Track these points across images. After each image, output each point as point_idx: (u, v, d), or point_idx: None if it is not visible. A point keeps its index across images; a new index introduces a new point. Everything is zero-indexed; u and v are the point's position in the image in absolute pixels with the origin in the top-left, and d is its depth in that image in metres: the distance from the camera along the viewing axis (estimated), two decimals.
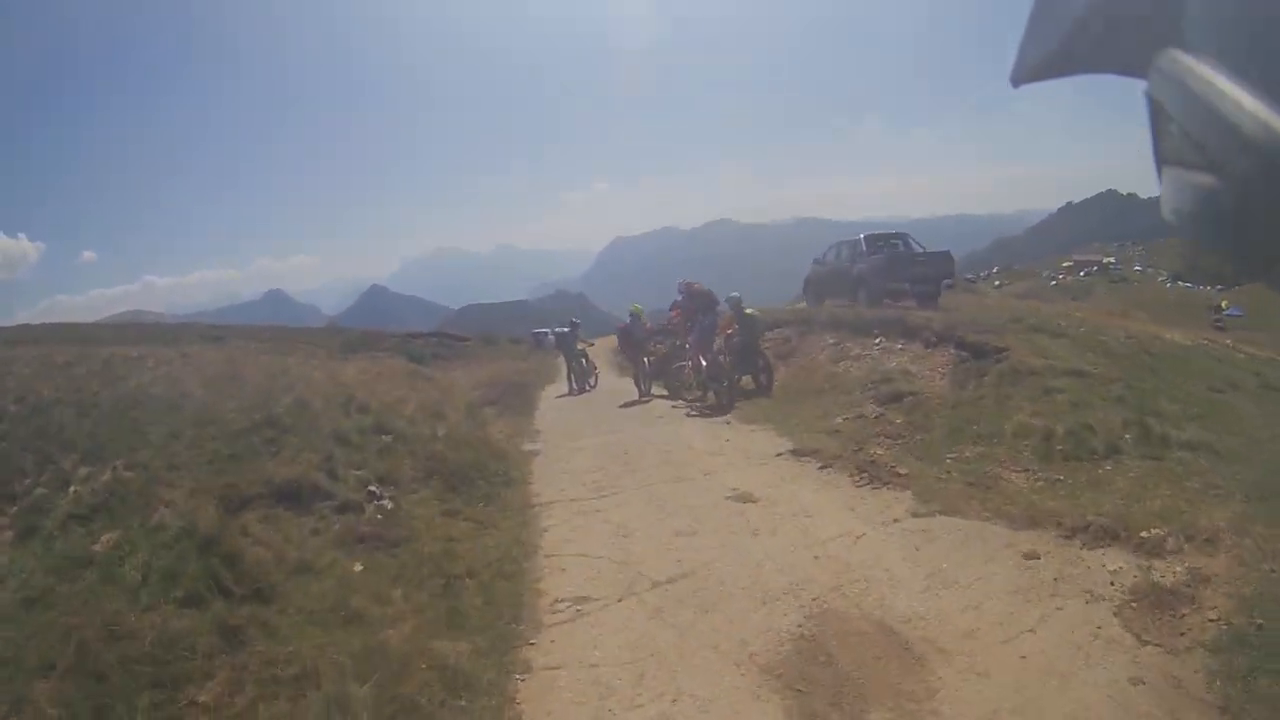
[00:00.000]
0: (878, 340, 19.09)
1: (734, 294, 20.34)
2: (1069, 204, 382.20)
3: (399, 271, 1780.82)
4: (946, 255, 25.37)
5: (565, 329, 27.52)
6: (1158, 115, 0.82)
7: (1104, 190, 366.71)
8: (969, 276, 74.13)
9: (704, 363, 19.24)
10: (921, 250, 25.90)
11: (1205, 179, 0.74)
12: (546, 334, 61.93)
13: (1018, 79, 1.04)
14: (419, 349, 49.66)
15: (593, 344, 29.18)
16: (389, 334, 56.01)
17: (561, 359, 27.84)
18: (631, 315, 23.92)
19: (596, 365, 27.60)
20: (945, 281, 25.52)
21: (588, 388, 26.40)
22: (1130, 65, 0.86)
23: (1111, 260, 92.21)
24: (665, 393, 22.22)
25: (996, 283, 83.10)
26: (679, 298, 22.15)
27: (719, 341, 19.73)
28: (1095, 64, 0.93)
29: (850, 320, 21.56)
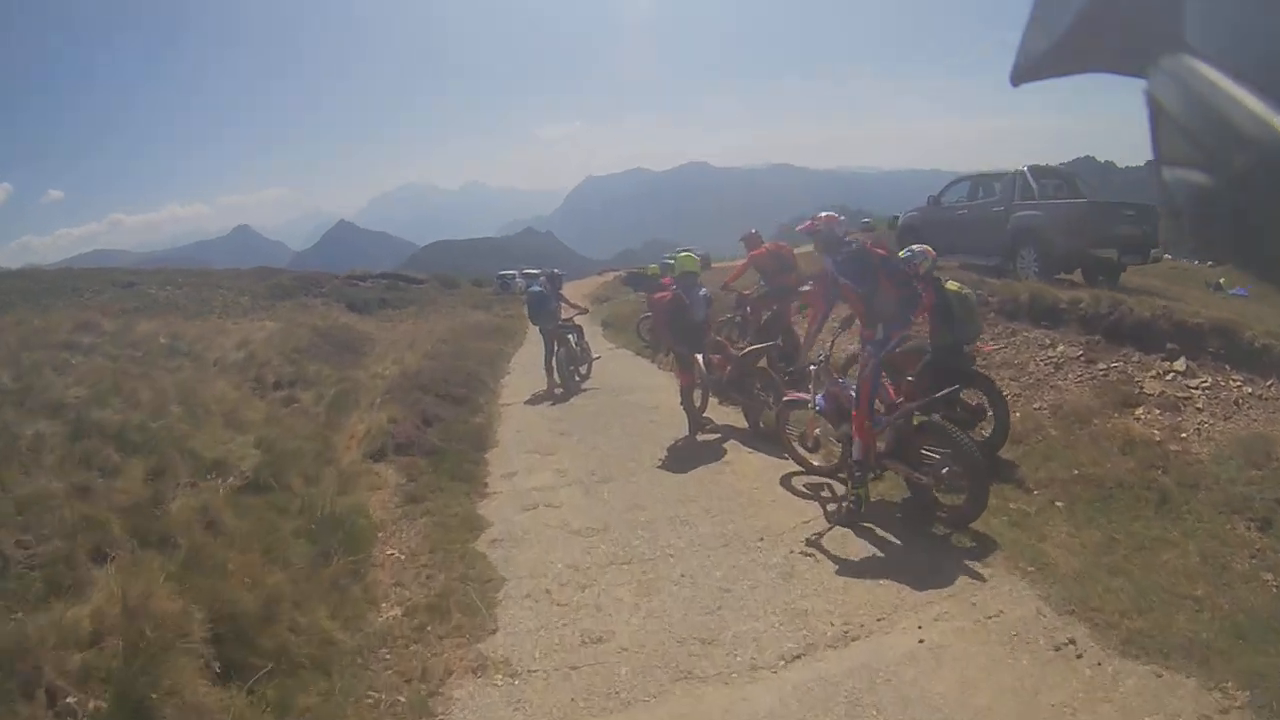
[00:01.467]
0: (1179, 364, 9.78)
1: (918, 247, 9.48)
2: (1066, 162, 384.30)
3: (367, 207, 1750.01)
4: (1153, 211, 15.71)
5: (537, 276, 17.43)
6: (1158, 115, 0.81)
7: (1082, 155, 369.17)
8: None
9: (876, 406, 7.82)
10: (1118, 201, 16.74)
11: (1205, 178, 0.74)
12: (514, 276, 55.69)
13: (1017, 79, 1.01)
14: (364, 294, 44.87)
15: (585, 310, 18.08)
16: (331, 276, 50.12)
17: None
18: (681, 272, 11.46)
19: (589, 344, 17.46)
20: (1153, 250, 16.21)
21: (577, 381, 16.25)
22: (1130, 65, 0.86)
23: None
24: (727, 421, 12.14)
25: None
26: (765, 246, 13.28)
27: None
28: (1095, 63, 0.92)
29: (1053, 310, 11.71)
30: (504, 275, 57.03)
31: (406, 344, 22.47)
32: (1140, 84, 0.82)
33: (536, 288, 16.42)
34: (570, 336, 16.21)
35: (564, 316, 16.60)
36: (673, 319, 11.16)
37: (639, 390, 15.16)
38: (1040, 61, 0.94)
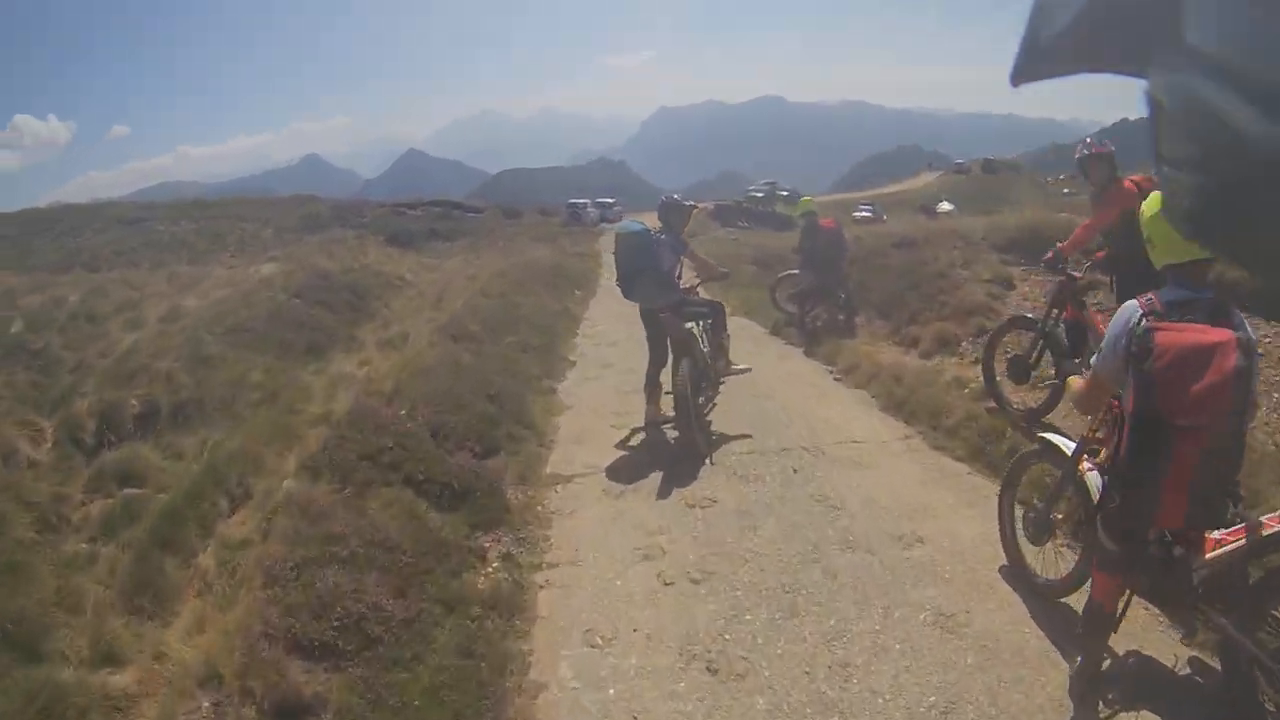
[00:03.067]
0: None
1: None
2: (1124, 120, 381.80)
3: (437, 135, 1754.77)
4: None
5: (634, 226, 8.28)
6: (1158, 115, 0.83)
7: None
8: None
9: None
10: None
11: (1205, 177, 0.76)
12: (586, 206, 49.77)
13: (1017, 79, 1.04)
14: (409, 225, 38.84)
15: (724, 274, 9.85)
16: (377, 204, 45.89)
17: (600, 241, 15.00)
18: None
19: (729, 337, 8.99)
20: None
21: (705, 422, 8.18)
22: (1130, 65, 0.90)
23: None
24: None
25: (1064, 190, 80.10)
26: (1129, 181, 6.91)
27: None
28: (1095, 63, 0.95)
29: None
30: (575, 204, 50.60)
31: (434, 297, 16.59)
32: (1140, 84, 0.84)
33: (637, 227, 8.13)
34: (698, 328, 8.23)
35: (690, 288, 8.60)
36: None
37: (830, 439, 7.72)
38: (1040, 61, 0.96)
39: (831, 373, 10.55)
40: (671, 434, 7.93)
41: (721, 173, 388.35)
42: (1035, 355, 7.51)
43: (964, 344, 10.63)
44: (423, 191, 60.08)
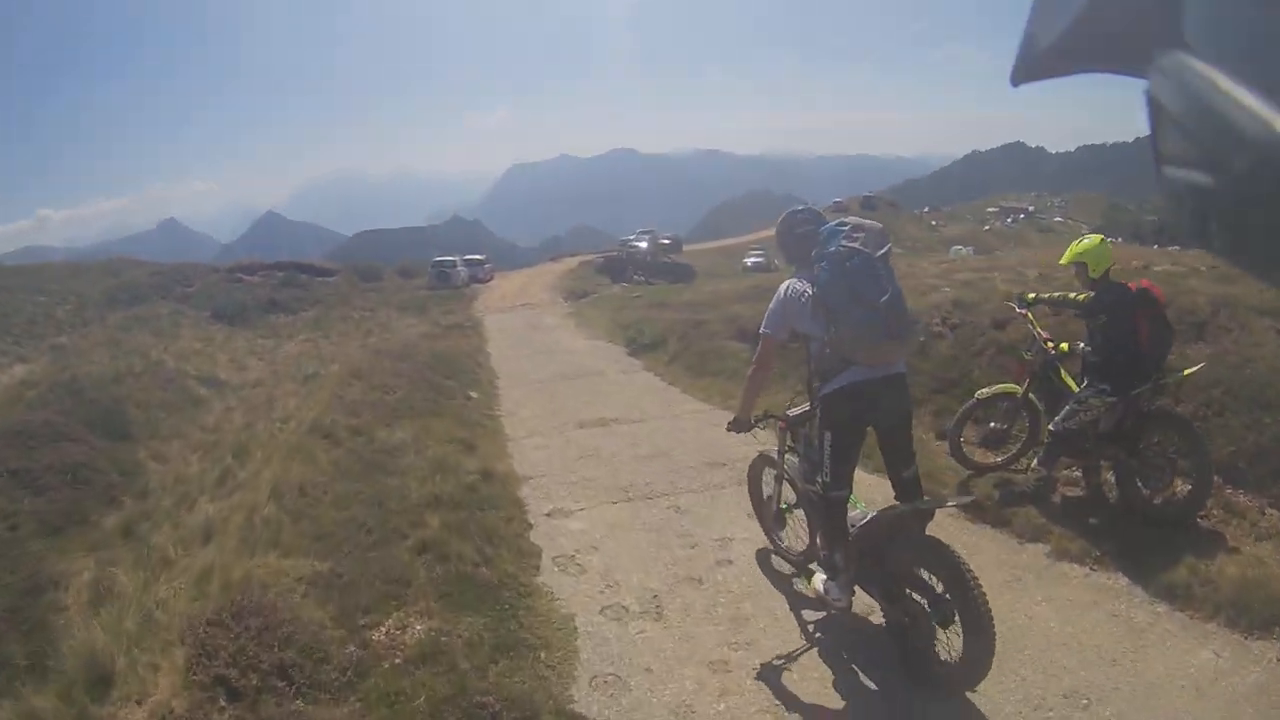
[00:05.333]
0: None
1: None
2: (974, 151, 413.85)
3: (295, 197, 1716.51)
4: None
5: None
6: (1158, 115, 0.81)
7: (1011, 141, 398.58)
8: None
9: None
10: None
11: (1205, 178, 0.74)
12: (455, 264, 44.35)
13: (1017, 79, 1.02)
14: (245, 295, 32.26)
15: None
16: (210, 268, 38.77)
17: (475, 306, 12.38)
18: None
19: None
20: None
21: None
22: (1130, 65, 0.86)
23: (1031, 209, 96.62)
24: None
25: (934, 222, 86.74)
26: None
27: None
28: (1094, 63, 0.93)
29: None
30: (441, 263, 43.91)
31: (242, 426, 10.79)
32: (1140, 84, 0.82)
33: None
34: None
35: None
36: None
37: None
38: (1040, 61, 0.94)
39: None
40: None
41: (574, 227, 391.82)
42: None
43: None
44: (282, 255, 53.21)
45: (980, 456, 8.21)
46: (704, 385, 12.88)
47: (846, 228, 4.70)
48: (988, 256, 32.75)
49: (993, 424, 8.11)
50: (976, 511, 7.04)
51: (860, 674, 4.91)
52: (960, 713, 4.46)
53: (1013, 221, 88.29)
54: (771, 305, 4.97)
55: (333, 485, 7.80)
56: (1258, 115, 0.64)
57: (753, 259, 50.46)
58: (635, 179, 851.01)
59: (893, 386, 4.71)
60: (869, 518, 4.87)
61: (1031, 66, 0.95)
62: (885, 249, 4.72)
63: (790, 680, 4.85)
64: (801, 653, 5.12)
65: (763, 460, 6.22)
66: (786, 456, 5.77)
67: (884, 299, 4.48)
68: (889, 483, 5.00)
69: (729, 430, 5.52)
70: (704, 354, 14.44)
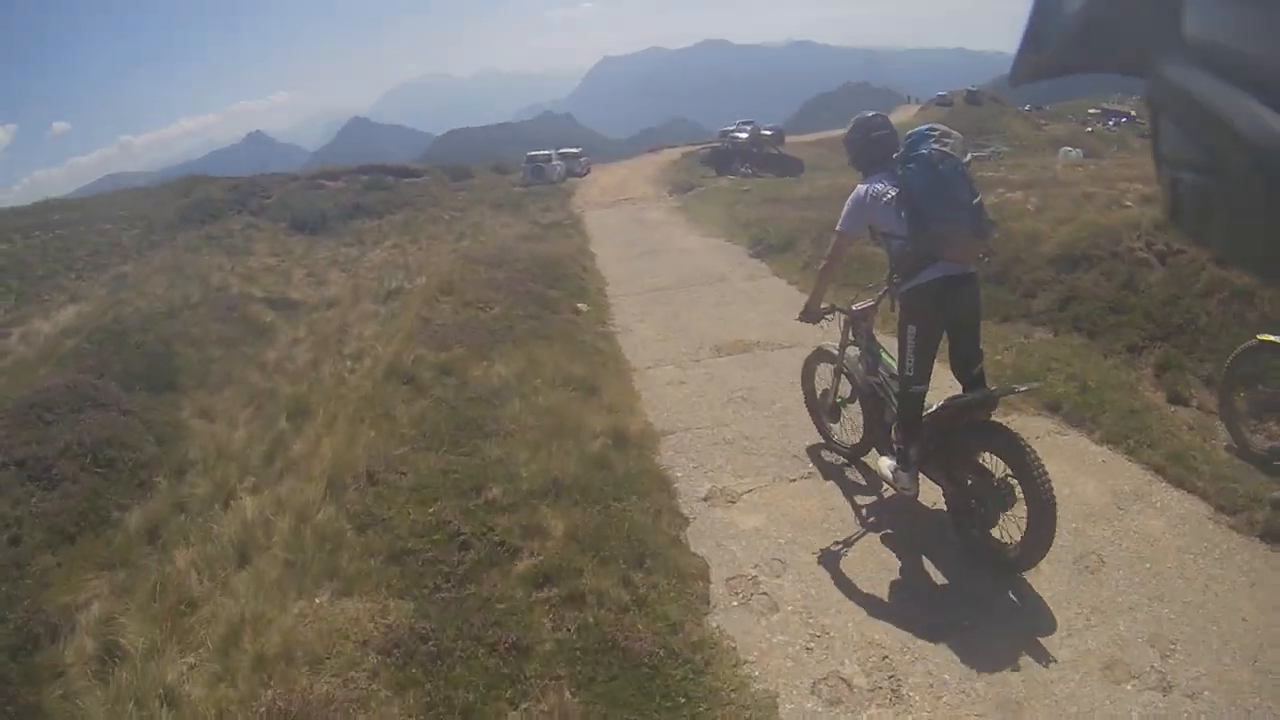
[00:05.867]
0: None
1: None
2: None
3: (381, 102, 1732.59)
4: None
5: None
6: (1157, 115, 0.83)
7: None
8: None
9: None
10: None
11: (1204, 178, 0.75)
12: (550, 158, 42.29)
13: (1016, 80, 1.03)
14: (325, 202, 29.93)
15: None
16: (287, 178, 37.02)
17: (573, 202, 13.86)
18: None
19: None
20: None
21: None
22: (1130, 65, 0.87)
23: (1134, 113, 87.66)
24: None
25: (1040, 121, 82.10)
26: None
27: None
28: (1094, 63, 0.93)
29: None
30: (535, 157, 42.02)
31: (293, 398, 9.80)
32: (1140, 84, 0.82)
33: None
34: None
35: None
36: None
37: None
38: (1040, 61, 0.94)
39: None
40: None
41: (668, 120, 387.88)
42: None
43: None
44: (372, 160, 51.86)
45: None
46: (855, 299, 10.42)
47: (937, 133, 4.79)
48: (1097, 162, 29.52)
49: (1260, 386, 6.01)
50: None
51: (925, 558, 4.90)
52: (1014, 589, 4.51)
53: (1114, 125, 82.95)
54: (848, 206, 5.10)
55: (413, 463, 5.67)
56: (1258, 115, 0.63)
57: None
58: (728, 71, 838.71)
59: (970, 283, 4.85)
60: (937, 406, 4.89)
61: (1031, 66, 0.95)
62: (970, 157, 5.01)
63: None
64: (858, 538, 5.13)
65: (819, 355, 6.33)
66: (847, 350, 5.91)
67: (976, 200, 4.69)
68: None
69: (799, 320, 5.74)
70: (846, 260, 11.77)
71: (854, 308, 5.63)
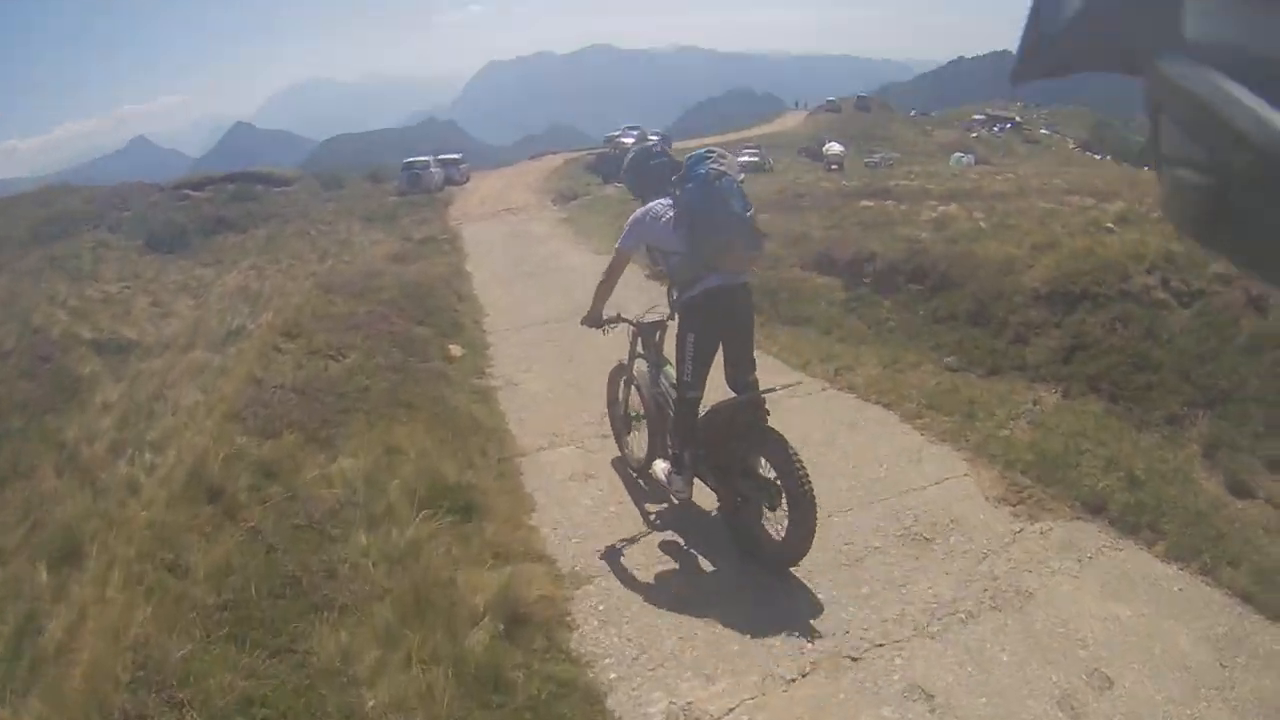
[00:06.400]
0: None
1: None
2: (960, 58, 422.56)
3: (264, 106, 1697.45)
4: None
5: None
6: (1157, 115, 0.83)
7: (999, 50, 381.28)
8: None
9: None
10: None
11: (1205, 179, 0.75)
12: (428, 166, 41.08)
13: (1016, 78, 0.99)
14: (186, 215, 28.32)
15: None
16: (152, 187, 34.67)
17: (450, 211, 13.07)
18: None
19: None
20: None
21: None
22: (1130, 64, 0.86)
23: (1018, 119, 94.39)
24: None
25: (926, 127, 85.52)
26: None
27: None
28: (1094, 62, 0.91)
29: None
30: (413, 164, 40.39)
31: (58, 537, 7.18)
32: (1140, 84, 0.83)
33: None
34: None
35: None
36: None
37: None
38: (1039, 60, 0.94)
39: None
40: None
41: (551, 126, 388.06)
42: None
43: None
44: (254, 166, 49.41)
45: None
46: (791, 340, 9.43)
47: (714, 155, 5.24)
48: (985, 167, 30.90)
49: None
50: None
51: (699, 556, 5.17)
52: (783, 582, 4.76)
53: (999, 130, 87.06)
54: (628, 226, 5.41)
55: (202, 676, 3.62)
56: (1258, 115, 0.64)
57: (746, 156, 46.28)
58: (614, 75, 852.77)
59: (744, 292, 5.25)
60: (707, 410, 5.23)
61: (1031, 66, 0.94)
62: (741, 176, 5.49)
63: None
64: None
65: (620, 370, 6.49)
66: (636, 363, 6.18)
67: (749, 212, 5.07)
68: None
69: (582, 324, 5.89)
70: (773, 292, 10.59)
71: (642, 320, 5.94)
